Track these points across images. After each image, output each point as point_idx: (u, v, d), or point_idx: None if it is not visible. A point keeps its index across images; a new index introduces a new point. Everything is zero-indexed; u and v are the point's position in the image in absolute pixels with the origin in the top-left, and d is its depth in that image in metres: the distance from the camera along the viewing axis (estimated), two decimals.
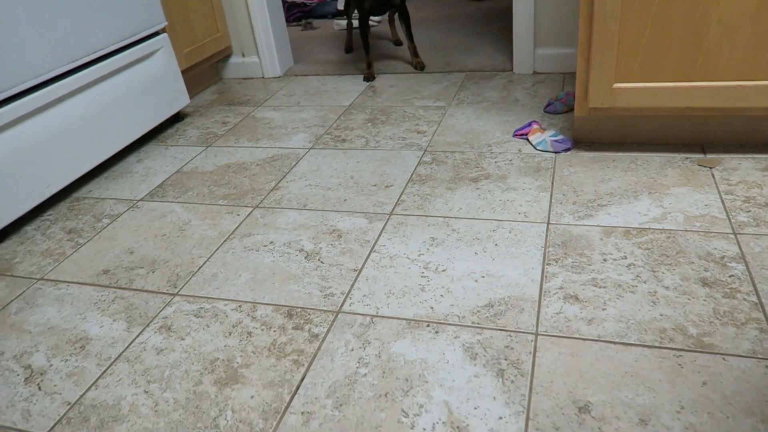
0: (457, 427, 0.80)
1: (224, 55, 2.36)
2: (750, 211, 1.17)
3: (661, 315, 0.94)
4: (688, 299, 0.97)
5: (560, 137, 1.51)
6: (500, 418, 0.81)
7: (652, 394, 0.81)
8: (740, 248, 1.07)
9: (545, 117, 1.70)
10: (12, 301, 1.19)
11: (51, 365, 1.01)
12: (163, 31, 1.91)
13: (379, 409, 0.85)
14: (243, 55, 2.39)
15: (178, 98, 1.96)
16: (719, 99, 1.27)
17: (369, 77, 2.18)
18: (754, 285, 0.98)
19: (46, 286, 1.22)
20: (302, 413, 0.85)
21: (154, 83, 1.84)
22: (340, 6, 3.21)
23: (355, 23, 2.59)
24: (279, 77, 2.37)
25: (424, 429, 0.81)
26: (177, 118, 2.04)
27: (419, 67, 2.23)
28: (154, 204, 1.50)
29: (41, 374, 0.99)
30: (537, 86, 1.95)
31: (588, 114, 1.40)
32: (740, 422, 0.76)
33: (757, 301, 0.95)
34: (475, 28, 2.70)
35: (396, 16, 2.43)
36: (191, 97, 2.26)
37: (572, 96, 1.72)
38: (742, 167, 1.32)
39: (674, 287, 1.00)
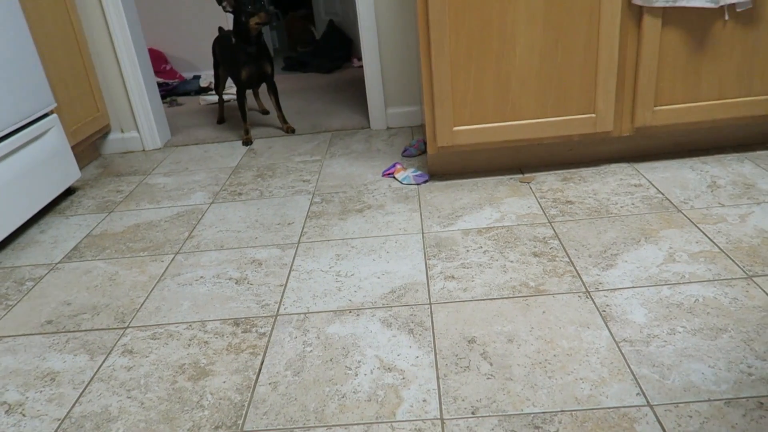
0: (388, 368, 1.11)
1: (104, 132, 2.51)
2: (557, 207, 1.65)
3: (511, 278, 1.35)
4: (526, 266, 1.39)
5: (419, 172, 1.93)
6: (416, 357, 1.13)
7: (512, 324, 1.19)
8: (554, 230, 1.53)
9: (404, 159, 2.12)
10: None
11: (27, 397, 1.14)
12: (53, 112, 2.06)
13: (329, 369, 1.12)
14: (122, 131, 2.55)
15: (71, 173, 2.09)
16: (524, 132, 1.77)
17: (247, 141, 2.48)
18: (566, 251, 1.43)
19: None
20: (269, 384, 1.10)
21: (49, 159, 1.97)
22: (203, 83, 3.48)
23: (226, 97, 2.88)
24: (160, 149, 2.57)
25: (365, 374, 1.10)
26: (69, 191, 2.16)
27: (290, 131, 2.58)
28: (75, 264, 1.64)
29: (20, 405, 1.12)
30: (392, 138, 2.38)
31: (437, 152, 1.83)
32: (566, 329, 1.16)
33: (568, 260, 1.39)
34: (332, 95, 3.13)
35: (263, 89, 2.77)
36: None
37: (422, 142, 2.17)
38: (548, 180, 1.82)
39: (516, 260, 1.41)
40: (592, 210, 1.61)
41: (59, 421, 1.07)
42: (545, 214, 1.62)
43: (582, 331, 1.15)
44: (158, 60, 3.68)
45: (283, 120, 2.59)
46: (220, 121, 2.85)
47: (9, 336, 1.34)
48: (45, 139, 1.97)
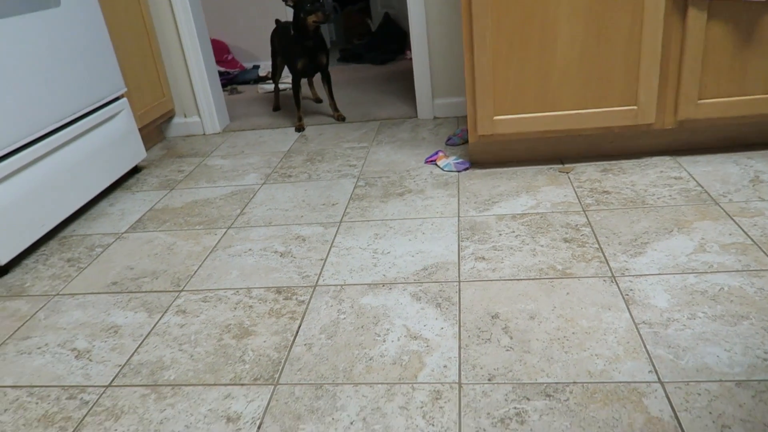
0: (414, 337, 1.19)
1: (168, 117, 2.69)
2: (593, 196, 1.68)
3: (539, 261, 1.40)
4: (556, 251, 1.43)
5: (460, 160, 1.99)
6: (441, 328, 1.20)
7: (536, 303, 1.24)
8: (587, 218, 1.56)
9: (447, 148, 2.18)
10: (37, 311, 1.44)
11: (93, 346, 1.29)
12: (123, 96, 2.23)
13: (359, 334, 1.21)
14: (185, 116, 2.73)
15: (138, 152, 2.26)
16: (564, 123, 1.80)
17: (300, 128, 2.60)
18: (596, 238, 1.46)
19: (64, 299, 1.48)
20: (304, 345, 1.20)
21: (119, 140, 2.14)
22: (262, 73, 3.64)
23: (282, 86, 3.01)
24: (219, 133, 2.73)
25: (392, 341, 1.18)
26: (135, 170, 2.34)
27: (340, 119, 2.68)
28: (138, 234, 1.79)
29: (88, 352, 1.27)
30: (438, 127, 2.45)
31: (478, 140, 1.88)
32: (588, 310, 1.20)
33: (598, 247, 1.43)
34: (383, 86, 3.22)
35: (317, 78, 2.89)
36: None
37: (465, 131, 2.23)
38: (587, 171, 1.85)
39: (546, 245, 1.46)
40: (628, 200, 1.63)
41: (120, 367, 1.20)
42: (580, 202, 1.65)
43: (603, 312, 1.19)
44: (220, 50, 3.86)
45: (335, 108, 2.70)
46: (276, 108, 2.99)
47: (80, 293, 1.50)
48: (115, 120, 2.15)
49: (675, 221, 1.50)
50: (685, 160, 1.83)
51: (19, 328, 1.38)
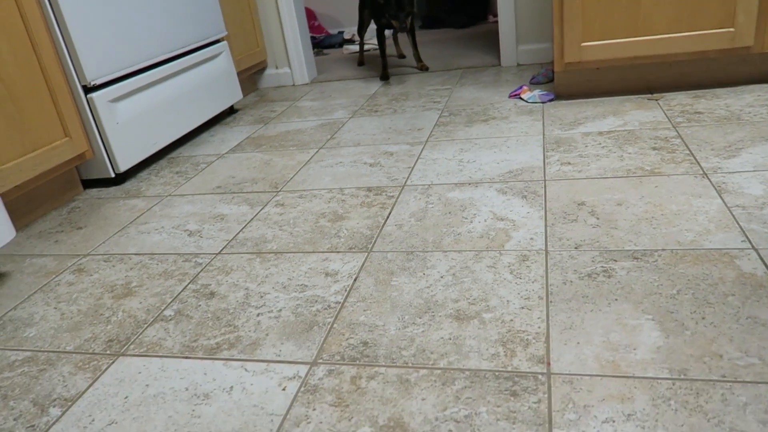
0: (501, 218, 1.23)
1: (261, 67, 2.85)
2: (684, 116, 1.65)
3: (626, 164, 1.40)
4: (644, 156, 1.43)
5: (545, 92, 2.00)
6: (527, 212, 1.24)
7: (623, 194, 1.26)
8: (677, 132, 1.54)
9: (531, 86, 2.20)
10: (153, 206, 1.60)
11: (203, 228, 1.42)
12: (224, 39, 2.40)
13: (447, 217, 1.27)
14: (276, 67, 2.88)
15: (235, 93, 2.42)
16: (656, 48, 1.78)
17: (385, 76, 2.68)
18: (687, 146, 1.45)
19: (175, 198, 1.63)
20: (395, 225, 1.27)
21: (219, 78, 2.30)
22: (347, 36, 3.76)
23: (367, 46, 3.10)
24: (308, 83, 2.86)
25: (479, 222, 1.23)
26: (232, 110, 2.50)
27: (424, 68, 2.74)
28: (238, 154, 1.93)
29: (198, 232, 1.40)
30: (521, 71, 2.46)
31: (564, 69, 1.89)
32: (677, 198, 1.20)
33: (689, 152, 1.41)
34: (465, 43, 3.25)
35: (400, 35, 2.96)
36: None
37: (550, 70, 2.23)
38: (678, 98, 1.81)
39: (634, 152, 1.46)
40: (722, 118, 1.59)
41: (227, 242, 1.32)
42: (670, 121, 1.63)
43: (693, 199, 1.19)
44: (308, 17, 4.02)
45: (418, 59, 2.77)
46: (360, 63, 3.09)
47: (188, 194, 1.64)
48: (217, 60, 2.31)
49: None
50: None
51: (138, 217, 1.54)
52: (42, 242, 1.47)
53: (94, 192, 1.77)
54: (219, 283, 1.15)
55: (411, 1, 2.64)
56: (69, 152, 1.63)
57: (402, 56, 3.09)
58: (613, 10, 1.77)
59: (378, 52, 2.85)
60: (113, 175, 1.77)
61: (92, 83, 1.67)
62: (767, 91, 1.75)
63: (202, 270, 1.21)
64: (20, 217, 1.58)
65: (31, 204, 1.62)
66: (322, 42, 3.80)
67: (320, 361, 0.89)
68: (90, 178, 1.79)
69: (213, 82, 2.26)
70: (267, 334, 0.97)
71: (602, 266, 1.01)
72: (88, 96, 1.68)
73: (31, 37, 1.52)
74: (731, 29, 1.71)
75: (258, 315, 1.03)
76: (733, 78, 1.85)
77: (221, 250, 1.29)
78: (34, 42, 1.52)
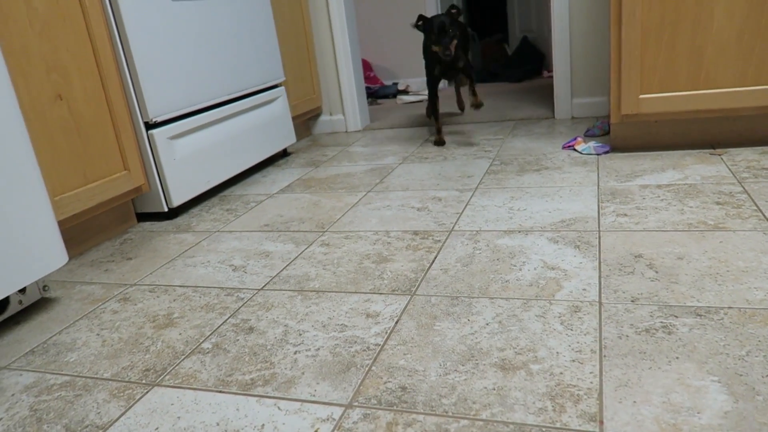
0: (552, 267, 1.18)
1: (315, 113, 2.92)
2: (750, 171, 1.57)
3: (688, 218, 1.33)
4: (707, 210, 1.36)
5: (600, 144, 1.96)
6: (580, 262, 1.18)
7: (684, 248, 1.19)
8: (743, 188, 1.46)
9: (586, 138, 2.15)
10: (201, 240, 1.62)
11: (248, 264, 1.42)
12: (282, 84, 2.47)
13: (494, 264, 1.23)
14: (331, 114, 2.94)
15: (289, 137, 2.48)
16: (719, 101, 1.72)
17: (439, 142, 2.39)
18: (754, 202, 1.37)
19: (223, 234, 1.65)
20: (440, 269, 1.24)
21: (275, 121, 2.37)
22: (401, 87, 3.83)
23: (419, 97, 3.09)
24: (360, 130, 2.90)
25: (528, 270, 1.18)
26: (284, 153, 2.55)
27: (478, 105, 2.37)
28: (288, 195, 1.95)
29: (243, 267, 1.40)
30: (575, 124, 2.42)
31: (621, 120, 1.85)
32: (744, 254, 1.12)
33: (756, 208, 1.33)
34: (518, 96, 3.25)
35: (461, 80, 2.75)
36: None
37: (606, 123, 2.18)
38: (743, 153, 1.73)
39: (696, 206, 1.39)
40: None
41: (270, 278, 1.32)
42: (735, 176, 1.55)
43: (762, 256, 1.11)
44: (364, 68, 4.13)
45: (473, 93, 2.41)
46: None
47: (236, 231, 1.66)
48: (274, 104, 2.38)
49: None
50: None
51: (186, 250, 1.56)
52: (93, 270, 1.50)
53: (147, 225, 1.81)
54: (259, 319, 1.13)
55: (455, 25, 2.28)
56: (126, 185, 1.68)
57: (462, 109, 3.00)
58: (673, 62, 1.73)
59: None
60: (166, 210, 1.82)
61: (154, 120, 1.73)
62: None
63: (243, 305, 1.20)
64: (76, 245, 1.63)
65: (86, 233, 1.66)
66: (376, 92, 3.88)
67: (356, 404, 0.85)
68: (144, 211, 1.84)
69: (268, 125, 2.32)
70: (303, 373, 0.94)
71: (662, 322, 0.94)
72: (149, 132, 1.74)
73: (101, 74, 1.60)
74: None
75: (295, 353, 1.00)
76: None
77: (264, 286, 1.28)
78: (103, 78, 1.61)
